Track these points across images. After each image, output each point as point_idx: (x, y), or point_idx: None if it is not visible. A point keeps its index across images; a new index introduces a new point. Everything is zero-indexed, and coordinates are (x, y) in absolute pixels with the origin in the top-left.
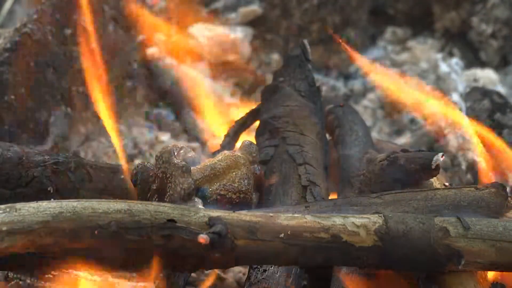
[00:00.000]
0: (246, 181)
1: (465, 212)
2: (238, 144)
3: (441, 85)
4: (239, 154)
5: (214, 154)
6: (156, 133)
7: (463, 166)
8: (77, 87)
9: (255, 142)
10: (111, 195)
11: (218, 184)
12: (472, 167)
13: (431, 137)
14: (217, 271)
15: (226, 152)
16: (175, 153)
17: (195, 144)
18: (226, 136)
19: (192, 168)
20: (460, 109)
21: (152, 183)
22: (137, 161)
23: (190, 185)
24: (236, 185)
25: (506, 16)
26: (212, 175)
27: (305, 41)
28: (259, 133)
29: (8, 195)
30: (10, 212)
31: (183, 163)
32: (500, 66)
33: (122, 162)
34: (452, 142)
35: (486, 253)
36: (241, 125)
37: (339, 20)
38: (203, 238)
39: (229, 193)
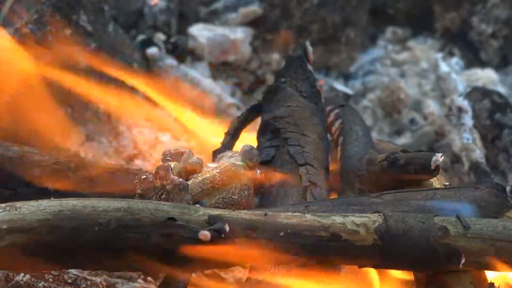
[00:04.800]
0: (246, 192)
1: (465, 211)
2: (238, 143)
3: (441, 85)
4: (239, 163)
5: (215, 153)
6: (156, 133)
7: (466, 166)
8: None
9: (256, 142)
10: (111, 195)
11: (217, 197)
12: (475, 167)
13: (431, 137)
14: (217, 271)
15: (226, 160)
16: (172, 169)
17: (194, 144)
18: (226, 134)
19: (190, 182)
20: (466, 111)
21: (152, 196)
22: (137, 162)
23: (188, 202)
24: (236, 197)
25: (506, 16)
26: (211, 188)
27: (307, 43)
28: (260, 134)
29: (8, 194)
30: (10, 210)
31: (180, 180)
32: (500, 66)
33: None
34: (456, 142)
35: (486, 253)
36: (242, 122)
37: (339, 20)
38: (204, 234)
39: (229, 206)
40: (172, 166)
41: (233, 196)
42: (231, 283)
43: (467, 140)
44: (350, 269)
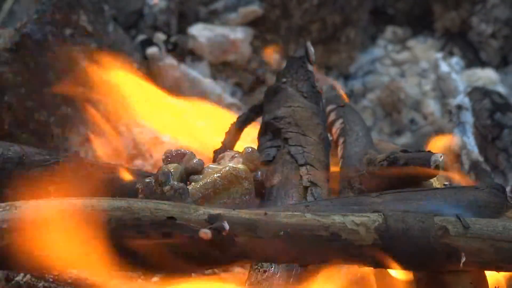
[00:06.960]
0: (247, 196)
1: (464, 211)
2: (239, 143)
3: (441, 85)
4: (240, 166)
5: (215, 153)
6: (156, 133)
7: (466, 166)
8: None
9: (257, 143)
10: (111, 194)
11: (218, 202)
12: (475, 166)
13: (431, 137)
14: (217, 271)
15: (227, 160)
16: (172, 174)
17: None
18: (227, 134)
19: (191, 187)
20: (466, 109)
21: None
22: (137, 162)
23: None
24: (237, 202)
25: (506, 16)
26: (212, 193)
27: (309, 43)
28: (261, 134)
29: (9, 194)
30: (10, 209)
31: (180, 185)
32: (500, 66)
33: None
34: (456, 141)
35: (486, 253)
36: (243, 123)
37: (339, 20)
38: (204, 233)
39: None
40: (172, 170)
41: (234, 201)
42: (231, 283)
43: (467, 139)
44: (350, 269)
